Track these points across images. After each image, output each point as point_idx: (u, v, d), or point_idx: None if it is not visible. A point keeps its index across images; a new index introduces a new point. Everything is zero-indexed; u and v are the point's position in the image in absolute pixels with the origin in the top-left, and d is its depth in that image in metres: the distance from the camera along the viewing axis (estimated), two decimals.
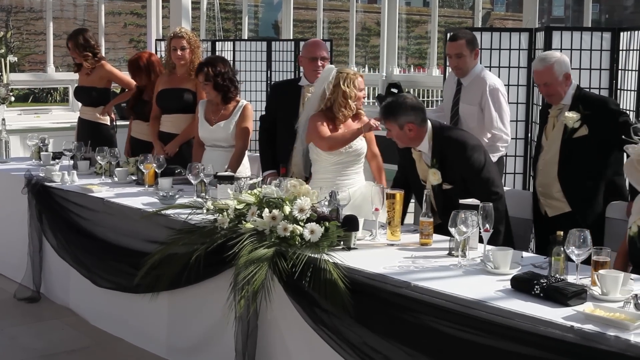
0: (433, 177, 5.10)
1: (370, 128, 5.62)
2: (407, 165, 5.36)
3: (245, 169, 6.71)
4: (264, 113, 6.86)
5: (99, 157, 6.77)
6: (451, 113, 6.36)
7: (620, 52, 7.09)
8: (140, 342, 5.63)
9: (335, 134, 5.75)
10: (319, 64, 6.38)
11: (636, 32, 6.78)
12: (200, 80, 6.59)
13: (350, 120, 5.86)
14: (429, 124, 5.13)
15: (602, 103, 5.53)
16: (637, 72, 6.68)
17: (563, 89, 5.40)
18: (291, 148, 6.29)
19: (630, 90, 6.81)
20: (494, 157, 5.83)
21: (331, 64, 11.16)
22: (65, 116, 12.42)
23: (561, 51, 7.16)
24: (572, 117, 5.27)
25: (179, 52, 7.16)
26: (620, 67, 7.10)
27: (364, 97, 5.94)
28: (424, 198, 4.64)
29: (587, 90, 5.99)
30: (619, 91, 7.09)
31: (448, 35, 6.65)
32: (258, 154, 7.18)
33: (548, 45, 7.14)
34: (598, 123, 5.27)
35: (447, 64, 6.69)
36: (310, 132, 5.81)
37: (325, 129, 5.75)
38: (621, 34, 7.10)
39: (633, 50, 6.80)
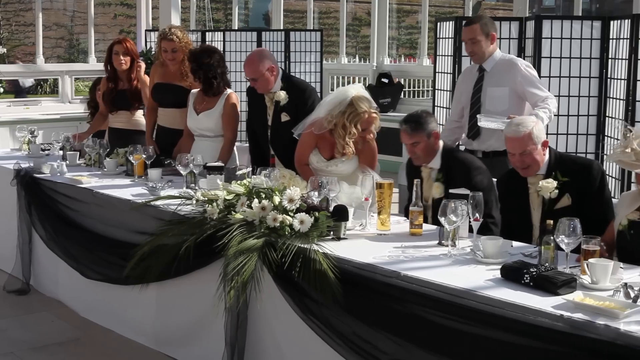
0: (436, 191, 5.15)
1: None
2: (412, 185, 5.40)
3: (234, 159, 6.70)
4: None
5: (88, 148, 6.75)
6: (472, 101, 6.22)
7: (611, 40, 7.09)
8: (129, 333, 5.62)
9: (305, 169, 5.83)
10: (252, 83, 6.31)
11: (626, 20, 6.78)
12: (187, 67, 6.66)
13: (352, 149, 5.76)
14: (440, 142, 5.30)
15: (584, 168, 4.84)
16: (627, 60, 6.68)
17: (542, 155, 4.83)
18: (268, 155, 6.31)
19: (620, 79, 6.81)
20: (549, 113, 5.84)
21: (322, 54, 11.28)
22: (55, 107, 12.41)
23: (552, 40, 7.17)
24: (548, 186, 4.76)
25: (170, 54, 7.04)
26: (610, 56, 7.11)
27: (369, 137, 5.78)
28: (413, 187, 4.62)
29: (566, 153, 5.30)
30: (609, 80, 7.10)
31: (464, 22, 6.45)
32: (247, 145, 7.16)
33: (538, 34, 7.13)
34: (580, 191, 4.74)
35: (465, 52, 6.56)
36: (300, 141, 5.93)
37: (305, 151, 5.84)
38: (611, 22, 7.10)
39: (623, 38, 6.79)
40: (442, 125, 7.11)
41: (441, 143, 5.31)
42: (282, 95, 6.23)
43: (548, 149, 4.86)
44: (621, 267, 3.75)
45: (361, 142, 5.76)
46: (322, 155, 5.82)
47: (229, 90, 6.68)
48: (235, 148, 6.78)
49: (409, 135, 5.24)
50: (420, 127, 5.20)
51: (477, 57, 6.19)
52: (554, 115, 6.03)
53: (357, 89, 5.80)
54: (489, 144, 6.09)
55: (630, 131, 4.17)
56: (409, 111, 7.21)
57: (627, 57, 6.70)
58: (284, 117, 6.21)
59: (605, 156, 4.52)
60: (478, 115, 5.91)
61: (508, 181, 5.08)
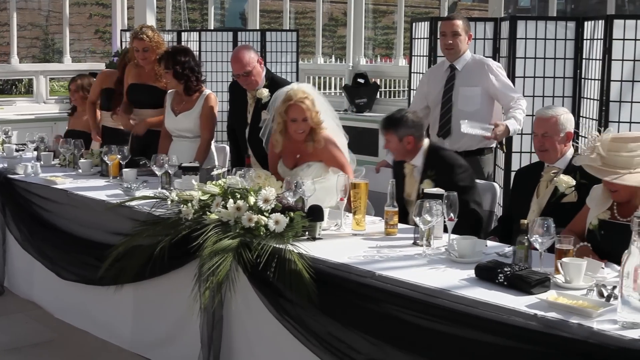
0: (427, 187, 5.09)
1: None
2: (396, 179, 5.31)
3: (212, 159, 6.68)
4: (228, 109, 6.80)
5: (62, 148, 6.72)
6: (443, 100, 6.28)
7: (585, 41, 7.12)
8: (105, 334, 5.60)
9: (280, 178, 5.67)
10: (243, 79, 6.26)
11: (600, 21, 6.81)
12: (162, 68, 6.58)
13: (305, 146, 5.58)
14: (426, 140, 5.37)
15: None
16: (600, 61, 6.71)
17: (563, 147, 4.90)
18: (245, 154, 6.29)
19: (594, 80, 6.85)
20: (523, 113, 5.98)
21: (298, 55, 11.25)
22: (29, 108, 12.31)
23: (526, 40, 7.19)
24: (567, 181, 4.78)
25: (141, 54, 7.02)
26: (584, 57, 7.14)
27: (301, 131, 5.53)
28: (389, 188, 4.63)
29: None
30: (583, 80, 7.13)
31: (439, 23, 6.58)
32: (224, 145, 7.15)
33: (513, 35, 7.16)
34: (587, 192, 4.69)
35: (440, 52, 6.57)
36: (269, 151, 5.89)
37: (273, 162, 5.76)
38: (585, 23, 7.13)
39: (597, 39, 6.83)
40: None
41: (426, 142, 5.35)
42: (265, 93, 6.22)
43: (573, 148, 4.93)
44: (602, 268, 3.78)
45: (311, 145, 5.55)
46: (285, 165, 5.72)
47: (207, 91, 6.67)
48: (213, 148, 6.77)
49: (381, 130, 5.36)
50: (391, 127, 5.28)
51: (453, 52, 6.25)
52: (527, 114, 6.12)
53: (299, 85, 5.76)
54: (461, 143, 6.12)
55: (599, 134, 4.19)
56: (385, 111, 7.21)
57: (600, 58, 6.73)
58: (265, 115, 6.18)
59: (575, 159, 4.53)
60: (461, 121, 5.88)
61: (523, 173, 5.26)
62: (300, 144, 5.58)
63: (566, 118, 4.89)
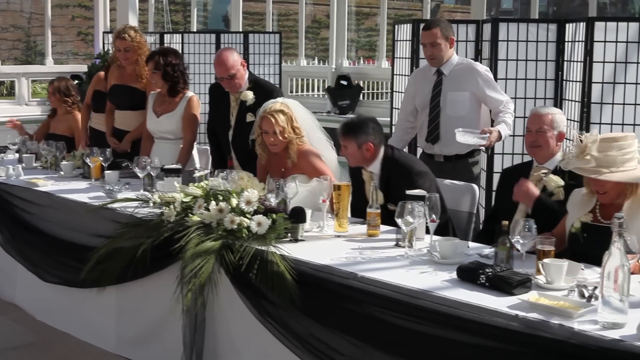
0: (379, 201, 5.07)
1: None
2: (354, 186, 5.15)
3: (193, 161, 6.67)
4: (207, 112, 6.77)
5: (44, 151, 6.70)
6: (431, 105, 6.21)
7: (566, 43, 7.15)
8: (87, 337, 5.57)
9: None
10: (227, 82, 6.22)
11: (581, 23, 6.85)
12: (150, 68, 6.55)
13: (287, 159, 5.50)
14: (382, 149, 5.21)
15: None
16: (581, 63, 6.75)
17: (555, 146, 4.89)
18: (227, 157, 6.26)
19: (575, 81, 6.88)
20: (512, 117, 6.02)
21: (281, 57, 11.27)
22: (11, 110, 12.27)
23: (508, 42, 7.22)
24: (556, 180, 4.76)
25: (123, 54, 7.00)
26: (565, 59, 7.17)
27: (273, 144, 5.47)
28: (371, 189, 4.64)
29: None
30: (564, 82, 7.16)
31: (422, 25, 6.56)
32: (206, 147, 7.13)
33: (495, 37, 7.18)
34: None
35: (422, 54, 6.55)
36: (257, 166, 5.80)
37: (262, 177, 5.58)
38: (567, 25, 7.17)
39: (578, 41, 6.86)
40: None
41: (382, 150, 5.23)
42: (249, 95, 6.19)
43: (562, 151, 4.92)
44: (582, 269, 3.79)
45: (289, 160, 5.48)
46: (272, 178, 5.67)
47: (190, 93, 6.65)
48: (195, 149, 6.76)
49: (339, 136, 5.21)
50: (350, 134, 5.14)
51: (436, 61, 6.18)
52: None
53: (285, 99, 5.71)
54: (451, 148, 6.10)
55: (584, 135, 4.20)
56: (368, 113, 7.20)
57: (582, 60, 6.77)
58: (249, 118, 6.14)
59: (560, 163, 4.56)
60: (455, 130, 5.84)
61: (510, 172, 5.19)
62: (282, 158, 5.54)
63: (560, 118, 4.92)
